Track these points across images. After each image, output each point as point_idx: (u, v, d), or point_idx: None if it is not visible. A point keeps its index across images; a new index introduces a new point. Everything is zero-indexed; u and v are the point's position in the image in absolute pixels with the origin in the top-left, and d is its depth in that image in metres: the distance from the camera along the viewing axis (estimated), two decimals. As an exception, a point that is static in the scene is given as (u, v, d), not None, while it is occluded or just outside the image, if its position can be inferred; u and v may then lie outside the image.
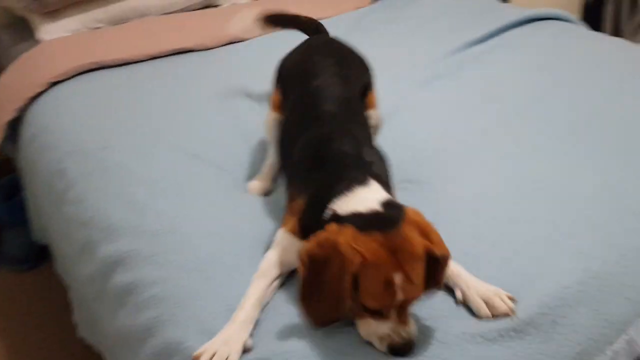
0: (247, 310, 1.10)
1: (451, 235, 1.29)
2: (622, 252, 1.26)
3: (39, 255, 2.23)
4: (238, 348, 1.05)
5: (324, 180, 1.19)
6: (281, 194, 1.45)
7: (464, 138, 1.65)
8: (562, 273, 1.20)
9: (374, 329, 1.05)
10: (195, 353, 1.05)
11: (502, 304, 1.10)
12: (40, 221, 1.91)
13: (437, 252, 1.05)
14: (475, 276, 1.16)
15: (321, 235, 1.06)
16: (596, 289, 1.19)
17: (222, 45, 2.20)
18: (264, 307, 1.15)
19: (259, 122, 1.75)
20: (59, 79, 1.94)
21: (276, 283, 1.19)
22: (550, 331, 1.10)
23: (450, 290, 1.17)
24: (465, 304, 1.14)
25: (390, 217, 1.07)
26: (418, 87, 1.88)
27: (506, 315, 1.10)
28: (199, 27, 2.25)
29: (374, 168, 1.22)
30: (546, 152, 1.57)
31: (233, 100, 1.87)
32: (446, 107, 1.79)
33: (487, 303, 1.10)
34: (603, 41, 2.23)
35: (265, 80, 1.94)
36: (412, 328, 1.06)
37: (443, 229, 1.31)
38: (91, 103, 1.86)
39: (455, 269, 1.16)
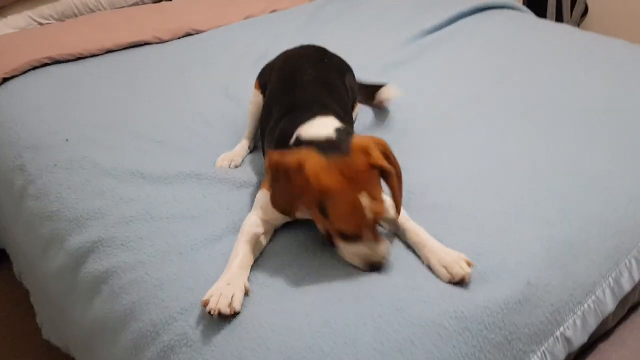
0: (240, 256, 1.16)
1: (423, 207, 1.34)
2: (584, 219, 1.32)
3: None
4: (241, 287, 1.10)
5: (290, 121, 1.30)
6: (249, 172, 1.49)
7: (428, 120, 1.69)
8: (530, 241, 1.25)
9: (354, 251, 1.15)
10: (203, 299, 1.07)
11: (460, 270, 1.14)
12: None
13: (384, 165, 1.15)
14: (441, 243, 1.20)
15: (289, 153, 1.15)
16: (562, 253, 1.24)
17: (179, 38, 2.18)
18: (254, 259, 1.20)
19: (218, 107, 1.76)
20: (12, 75, 1.88)
21: (263, 240, 1.24)
22: (526, 292, 1.15)
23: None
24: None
25: (342, 141, 1.18)
26: (380, 73, 1.92)
27: (463, 279, 1.14)
28: (153, 20, 2.23)
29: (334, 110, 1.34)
30: (507, 130, 1.63)
31: (192, 88, 1.87)
32: (408, 92, 1.83)
33: (447, 269, 1.15)
34: (550, 27, 2.33)
35: (222, 68, 1.95)
36: (386, 244, 1.18)
37: (414, 202, 1.36)
38: (47, 97, 1.81)
39: (420, 240, 1.22)
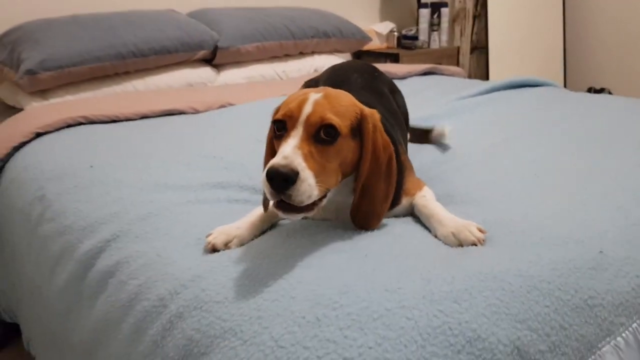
0: (263, 212, 1.09)
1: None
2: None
3: (6, 335, 1.98)
4: (245, 236, 1.04)
5: None
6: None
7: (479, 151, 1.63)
8: (600, 220, 1.10)
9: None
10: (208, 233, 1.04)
11: (469, 235, 1.02)
12: (9, 291, 1.71)
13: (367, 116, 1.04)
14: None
15: None
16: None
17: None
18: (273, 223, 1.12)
19: (249, 148, 1.68)
20: (45, 130, 1.87)
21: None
22: (599, 260, 0.96)
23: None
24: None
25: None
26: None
27: (474, 244, 1.01)
28: (190, 95, 2.26)
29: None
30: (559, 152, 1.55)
31: (222, 137, 1.81)
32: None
33: (454, 235, 1.04)
34: (584, 95, 2.28)
35: (252, 126, 1.88)
36: (303, 162, 0.93)
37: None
38: (76, 145, 1.76)
39: (428, 212, 1.12)
